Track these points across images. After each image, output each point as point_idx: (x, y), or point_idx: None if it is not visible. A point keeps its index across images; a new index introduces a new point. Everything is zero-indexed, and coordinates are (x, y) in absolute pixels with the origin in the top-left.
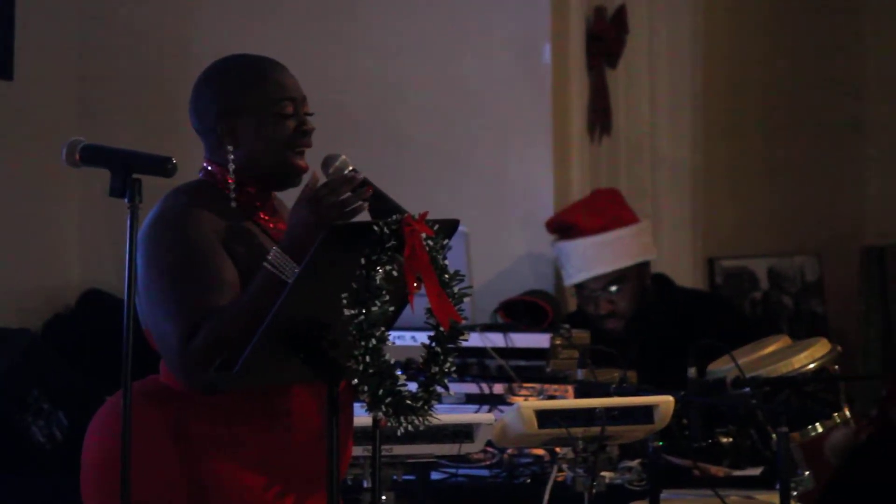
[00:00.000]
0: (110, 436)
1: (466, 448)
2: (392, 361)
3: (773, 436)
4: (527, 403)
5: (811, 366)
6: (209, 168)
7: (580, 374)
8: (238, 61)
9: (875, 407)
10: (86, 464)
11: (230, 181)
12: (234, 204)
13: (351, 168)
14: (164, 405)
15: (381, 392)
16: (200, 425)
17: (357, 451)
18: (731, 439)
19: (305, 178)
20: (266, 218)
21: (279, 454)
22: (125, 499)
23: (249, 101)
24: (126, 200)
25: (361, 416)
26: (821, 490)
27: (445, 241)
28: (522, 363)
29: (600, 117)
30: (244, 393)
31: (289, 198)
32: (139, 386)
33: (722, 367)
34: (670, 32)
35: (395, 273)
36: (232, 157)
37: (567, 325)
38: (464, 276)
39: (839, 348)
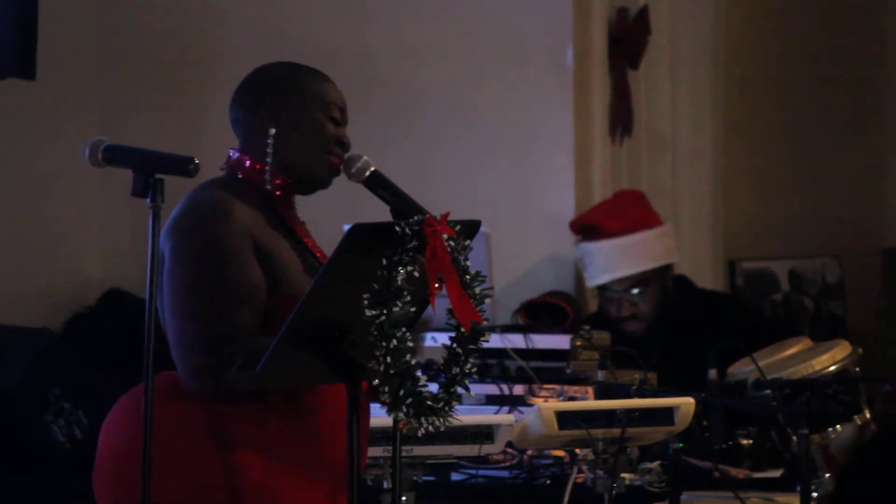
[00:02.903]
0: (131, 430)
1: (486, 449)
2: (413, 362)
3: (794, 438)
4: (547, 405)
5: (832, 368)
6: (242, 159)
7: (600, 375)
8: (298, 64)
9: (880, 405)
10: (103, 458)
11: (268, 168)
12: (268, 186)
13: (373, 168)
14: (190, 401)
15: (401, 393)
16: (231, 423)
17: (377, 451)
18: (751, 441)
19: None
20: (292, 216)
21: (308, 454)
22: (145, 494)
23: (304, 94)
24: (148, 200)
25: (382, 418)
26: (832, 489)
27: (467, 242)
28: (543, 364)
29: (622, 118)
30: (274, 392)
31: (311, 197)
32: (160, 382)
33: (742, 369)
34: (692, 33)
35: (416, 274)
36: (271, 141)
37: (587, 327)
38: (485, 277)
39: (860, 350)
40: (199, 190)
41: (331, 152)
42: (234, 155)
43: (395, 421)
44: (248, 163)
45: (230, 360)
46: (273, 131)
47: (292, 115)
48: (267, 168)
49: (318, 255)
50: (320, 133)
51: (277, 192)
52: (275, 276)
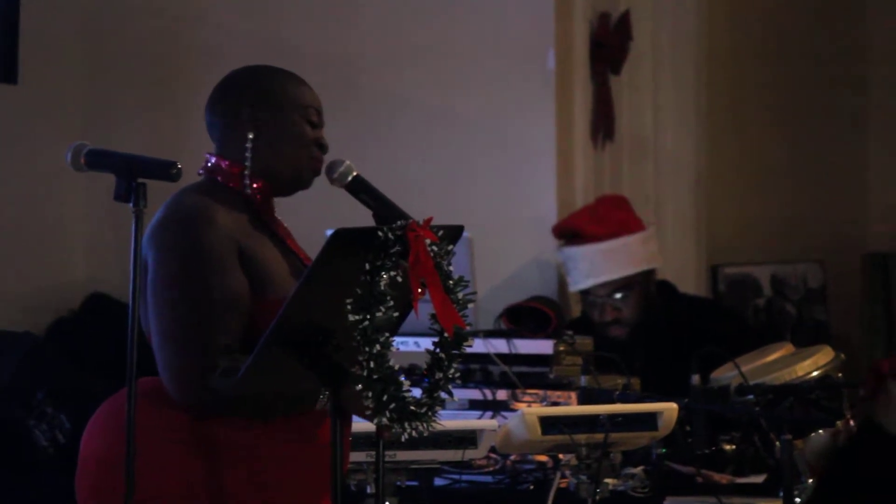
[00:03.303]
0: (113, 435)
1: (470, 454)
2: (396, 367)
3: (777, 443)
4: (530, 410)
5: (815, 373)
6: (220, 163)
7: (584, 380)
8: (273, 67)
9: (853, 408)
10: (85, 463)
11: (247, 173)
12: (248, 191)
13: (355, 173)
14: (173, 406)
15: (385, 398)
16: (215, 427)
17: (361, 456)
18: (734, 446)
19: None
20: (274, 219)
21: (293, 457)
22: (129, 499)
23: (281, 97)
24: (130, 205)
25: (365, 422)
26: (812, 492)
27: (450, 247)
28: (526, 369)
29: (603, 123)
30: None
31: (293, 203)
32: (142, 387)
33: (725, 375)
34: (674, 38)
35: (399, 279)
36: (249, 145)
37: (570, 332)
38: (468, 282)
39: (842, 356)
40: (180, 195)
41: (310, 155)
42: (212, 159)
43: (379, 426)
44: (226, 167)
45: (214, 367)
46: (251, 136)
47: (270, 118)
48: (246, 172)
49: (302, 256)
50: (299, 136)
51: (258, 196)
52: (260, 280)
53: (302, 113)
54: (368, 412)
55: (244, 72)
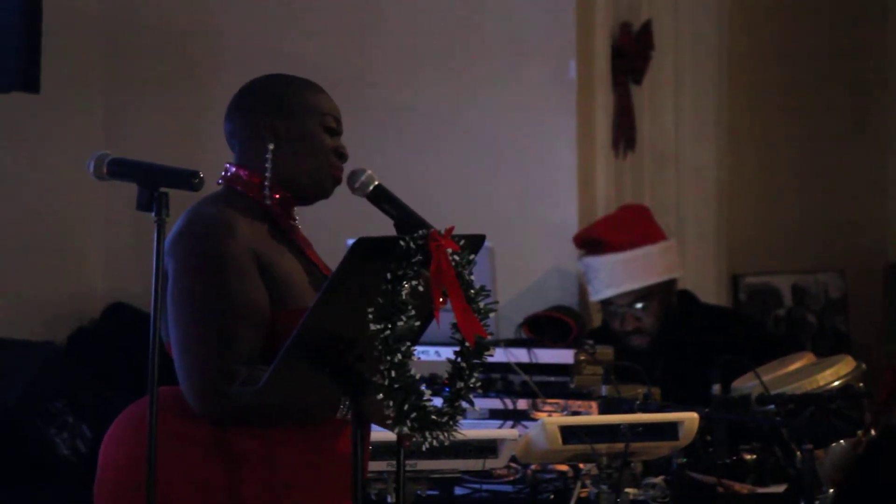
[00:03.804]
0: (132, 444)
1: (490, 463)
2: (417, 376)
3: (798, 453)
4: (551, 419)
5: (836, 383)
6: (239, 173)
7: (604, 390)
8: (291, 76)
9: (870, 415)
10: (104, 472)
11: (267, 183)
12: (268, 201)
13: (377, 182)
14: (192, 415)
15: (406, 407)
16: (234, 437)
17: (381, 465)
18: (755, 456)
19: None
20: (293, 229)
21: (312, 465)
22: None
23: (299, 106)
24: (153, 214)
25: (386, 431)
26: (832, 500)
27: (471, 257)
28: (546, 379)
29: (625, 133)
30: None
31: (314, 212)
32: (164, 395)
33: (746, 384)
34: (695, 48)
35: (420, 288)
36: (269, 155)
37: (591, 341)
38: (489, 291)
39: (864, 365)
40: (200, 205)
41: (330, 164)
42: (231, 169)
43: (400, 436)
44: (245, 176)
45: (233, 376)
46: (271, 146)
47: (289, 128)
48: (266, 183)
49: (321, 266)
50: (319, 146)
51: (277, 206)
52: (279, 290)
53: (320, 121)
54: (389, 421)
55: (262, 81)
